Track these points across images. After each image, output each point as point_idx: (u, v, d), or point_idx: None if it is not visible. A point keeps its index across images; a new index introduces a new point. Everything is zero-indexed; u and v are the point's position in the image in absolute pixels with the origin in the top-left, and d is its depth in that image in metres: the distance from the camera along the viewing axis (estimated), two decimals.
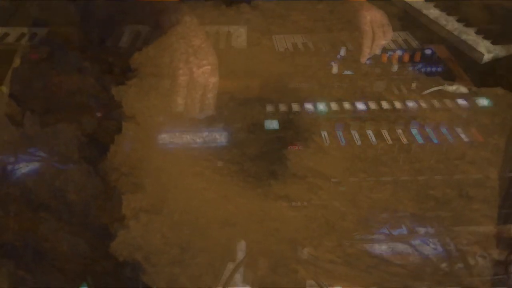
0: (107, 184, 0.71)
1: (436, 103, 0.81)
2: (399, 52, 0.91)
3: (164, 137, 0.75)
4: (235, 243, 0.70)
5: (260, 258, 0.68)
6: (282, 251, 0.69)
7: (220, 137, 0.76)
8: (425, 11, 1.09)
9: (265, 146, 0.75)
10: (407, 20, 1.07)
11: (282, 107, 0.81)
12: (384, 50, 0.91)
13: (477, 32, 0.99)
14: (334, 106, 0.81)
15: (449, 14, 1.07)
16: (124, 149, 0.73)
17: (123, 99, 0.74)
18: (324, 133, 0.77)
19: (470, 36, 0.99)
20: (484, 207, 0.73)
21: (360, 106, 0.81)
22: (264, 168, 0.74)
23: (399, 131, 0.77)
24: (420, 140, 0.75)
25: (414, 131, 0.77)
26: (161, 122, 0.74)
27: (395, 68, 0.89)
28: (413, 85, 0.86)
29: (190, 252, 0.67)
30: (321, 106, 0.80)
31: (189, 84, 0.71)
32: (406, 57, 0.91)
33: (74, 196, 0.71)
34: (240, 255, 0.69)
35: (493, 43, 0.95)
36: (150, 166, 0.73)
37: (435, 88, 0.84)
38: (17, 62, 0.81)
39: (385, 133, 0.77)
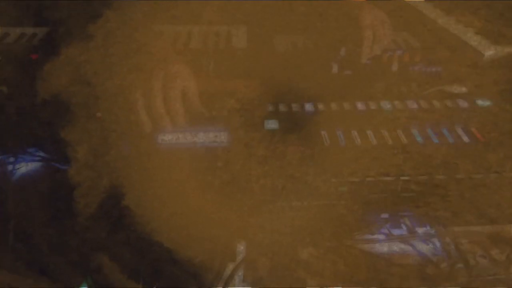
0: None
1: (436, 103, 0.81)
2: (399, 52, 0.91)
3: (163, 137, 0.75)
4: (235, 243, 0.69)
5: (260, 258, 0.68)
6: (282, 251, 0.69)
7: (219, 137, 0.76)
8: (425, 11, 1.09)
9: (265, 146, 0.75)
10: (407, 20, 1.07)
11: (282, 107, 0.81)
12: (384, 50, 0.91)
13: (477, 32, 0.99)
14: (334, 106, 0.81)
15: (449, 14, 1.07)
16: None
17: None
18: (324, 133, 0.77)
19: (470, 36, 0.98)
20: (484, 207, 0.73)
21: (360, 106, 0.81)
22: (264, 169, 0.74)
23: (399, 131, 0.77)
24: (420, 140, 0.75)
25: (414, 131, 0.77)
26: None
27: (395, 68, 0.89)
28: (413, 85, 0.86)
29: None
30: (321, 106, 0.80)
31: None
32: (406, 57, 0.91)
33: None
34: (240, 255, 0.69)
35: (493, 43, 0.95)
36: None
37: (435, 88, 0.84)
38: None
39: (385, 133, 0.77)
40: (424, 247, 0.72)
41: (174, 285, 0.65)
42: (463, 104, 0.81)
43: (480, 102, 0.82)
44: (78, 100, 0.59)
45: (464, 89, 0.84)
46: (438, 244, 0.72)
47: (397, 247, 0.72)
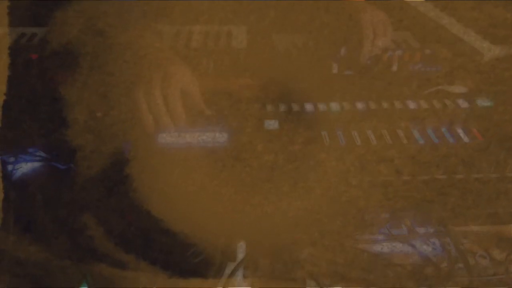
0: None
1: (436, 103, 0.81)
2: (399, 52, 0.91)
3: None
4: (235, 243, 0.69)
5: (260, 258, 0.68)
6: (282, 251, 0.69)
7: (219, 137, 0.76)
8: (424, 11, 1.09)
9: (265, 146, 0.75)
10: (407, 20, 1.07)
11: (282, 107, 0.81)
12: (384, 50, 0.91)
13: (477, 32, 0.99)
14: (334, 106, 0.81)
15: (449, 14, 1.07)
16: None
17: None
18: (324, 133, 0.77)
19: (470, 36, 0.98)
20: (484, 207, 0.73)
21: (360, 106, 0.81)
22: (264, 168, 0.74)
23: (399, 131, 0.77)
24: (420, 140, 0.75)
25: (414, 131, 0.77)
26: None
27: (395, 68, 0.89)
28: (413, 85, 0.86)
29: None
30: (321, 106, 0.80)
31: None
32: (406, 57, 0.91)
33: None
34: (240, 255, 0.69)
35: (493, 43, 0.95)
36: None
37: (435, 88, 0.84)
38: None
39: (385, 133, 0.77)
40: (424, 247, 0.72)
41: (167, 257, 0.63)
42: (463, 104, 0.81)
43: (480, 102, 0.82)
44: (87, 50, 0.56)
45: (464, 89, 0.84)
46: (438, 244, 0.72)
47: (397, 247, 0.72)
